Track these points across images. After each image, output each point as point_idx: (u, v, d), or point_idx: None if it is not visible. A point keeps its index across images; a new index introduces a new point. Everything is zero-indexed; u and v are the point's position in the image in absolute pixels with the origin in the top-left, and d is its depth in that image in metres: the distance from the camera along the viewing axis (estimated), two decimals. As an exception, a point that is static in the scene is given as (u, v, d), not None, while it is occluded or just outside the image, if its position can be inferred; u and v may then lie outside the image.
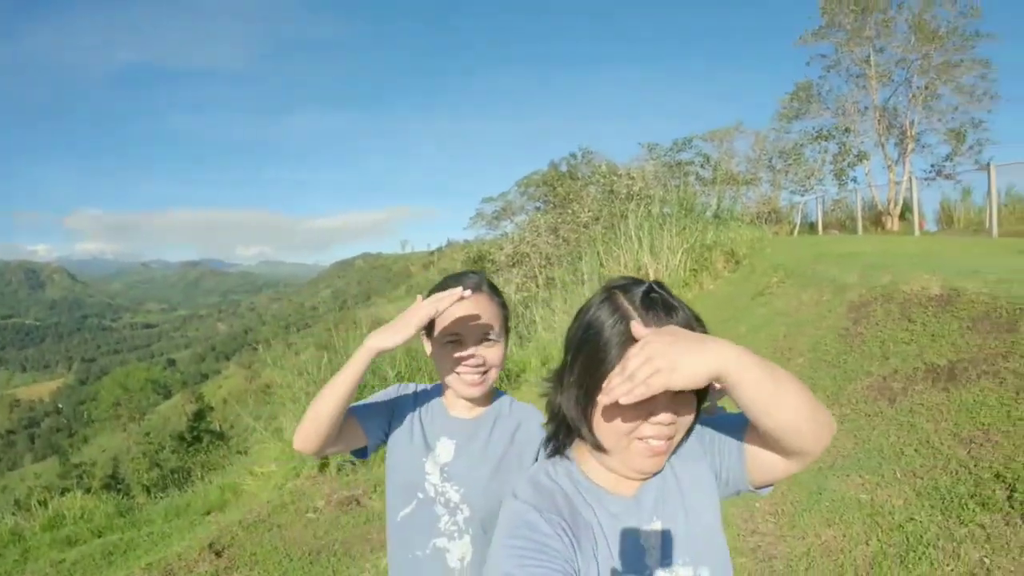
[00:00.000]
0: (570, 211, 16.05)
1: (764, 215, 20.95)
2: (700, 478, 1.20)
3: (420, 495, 1.61)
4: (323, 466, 6.52)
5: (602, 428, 1.11)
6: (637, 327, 1.05)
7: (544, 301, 10.66)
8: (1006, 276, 5.48)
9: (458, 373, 1.57)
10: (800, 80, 22.37)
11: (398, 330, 1.44)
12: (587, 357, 1.11)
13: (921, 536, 3.21)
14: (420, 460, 1.63)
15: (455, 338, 1.55)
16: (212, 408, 45.27)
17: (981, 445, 3.65)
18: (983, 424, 3.78)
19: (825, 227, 20.67)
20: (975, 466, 3.52)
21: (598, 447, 1.14)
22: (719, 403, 1.43)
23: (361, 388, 1.52)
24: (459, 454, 1.62)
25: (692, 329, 1.07)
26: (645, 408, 1.06)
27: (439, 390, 1.72)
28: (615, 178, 15.63)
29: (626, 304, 1.09)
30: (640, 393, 0.96)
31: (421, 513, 1.61)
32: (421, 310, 1.45)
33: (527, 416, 1.67)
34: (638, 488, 1.17)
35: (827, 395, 4.90)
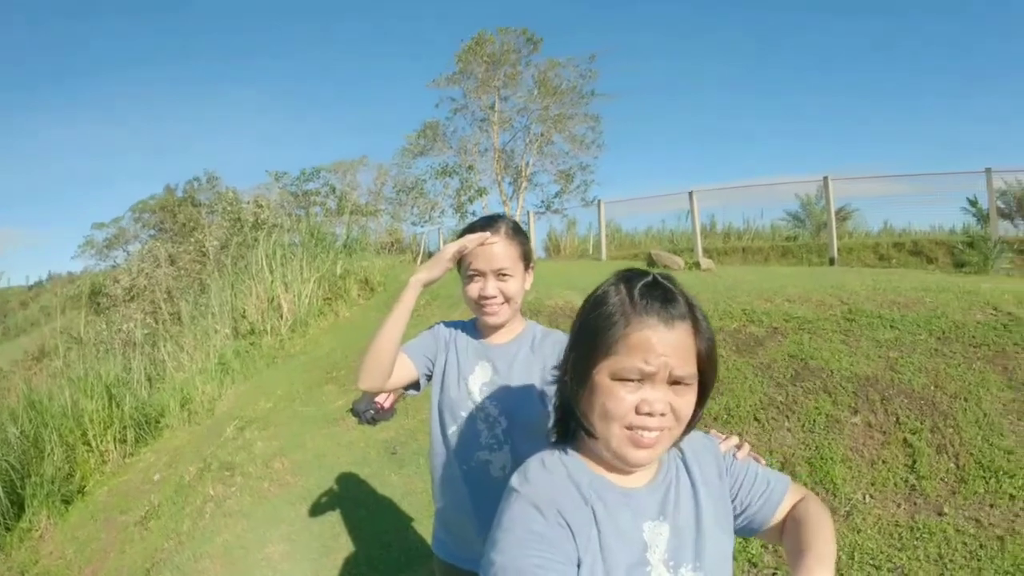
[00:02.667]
0: (193, 239, 14.82)
1: (388, 245, 21.67)
2: (719, 496, 1.22)
3: (463, 413, 1.84)
4: None
5: (593, 411, 1.10)
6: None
7: (172, 338, 9.64)
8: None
9: (479, 304, 1.83)
10: (428, 119, 23.91)
11: (433, 266, 1.78)
12: (587, 330, 1.12)
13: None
14: (462, 382, 1.86)
15: (475, 273, 1.81)
16: None
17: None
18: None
19: (447, 256, 21.98)
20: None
21: (588, 432, 1.13)
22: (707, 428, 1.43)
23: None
24: (495, 373, 1.85)
25: (693, 316, 1.09)
26: (637, 394, 1.06)
27: (475, 323, 1.95)
28: (243, 205, 14.86)
29: (625, 291, 1.10)
30: None
31: (464, 430, 1.84)
32: (451, 248, 1.78)
33: (558, 336, 1.90)
34: (645, 483, 1.17)
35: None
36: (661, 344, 1.04)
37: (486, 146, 23.59)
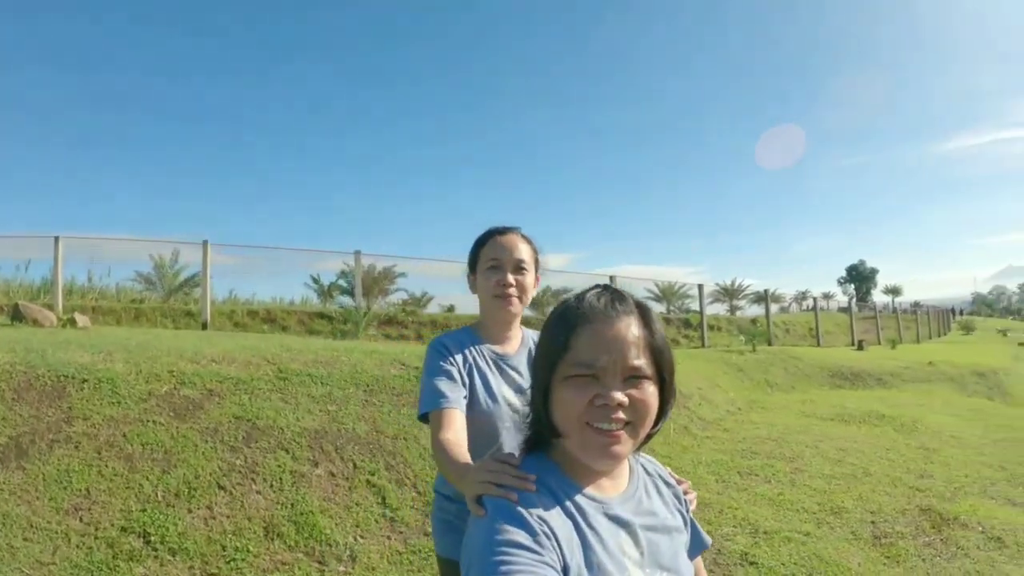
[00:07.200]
0: None
1: None
2: (679, 520, 1.26)
3: (508, 424, 1.83)
4: None
5: (555, 413, 1.10)
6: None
7: None
8: (35, 347, 5.34)
9: (496, 295, 1.89)
10: None
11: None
12: (543, 338, 1.16)
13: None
14: (495, 393, 1.85)
15: (495, 263, 1.90)
16: None
17: (93, 508, 3.76)
18: (80, 489, 3.85)
19: None
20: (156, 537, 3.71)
21: (555, 431, 1.12)
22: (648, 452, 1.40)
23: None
24: (523, 378, 1.90)
25: (643, 314, 1.13)
26: (592, 388, 1.06)
27: (471, 332, 1.95)
28: None
29: (577, 298, 1.15)
30: None
31: (511, 442, 1.81)
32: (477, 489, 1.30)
33: None
34: (619, 493, 1.17)
35: None
36: (609, 335, 1.07)
37: None
